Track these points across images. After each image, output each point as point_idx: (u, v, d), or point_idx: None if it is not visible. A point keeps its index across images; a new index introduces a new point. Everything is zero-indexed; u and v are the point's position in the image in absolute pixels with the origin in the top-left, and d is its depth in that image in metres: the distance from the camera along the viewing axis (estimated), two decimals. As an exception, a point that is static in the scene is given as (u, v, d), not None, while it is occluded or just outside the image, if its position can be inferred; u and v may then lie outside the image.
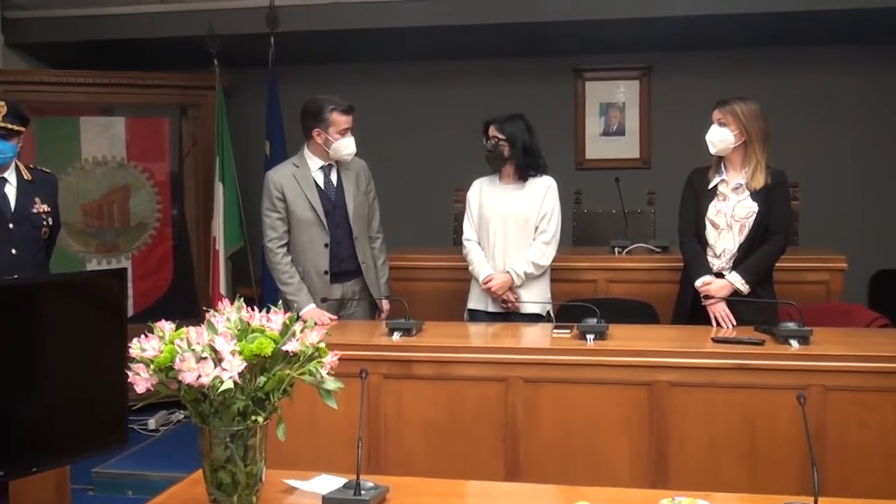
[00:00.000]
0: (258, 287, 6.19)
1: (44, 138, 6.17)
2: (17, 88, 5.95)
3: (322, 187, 4.35)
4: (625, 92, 6.56)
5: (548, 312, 4.30)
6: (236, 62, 6.32)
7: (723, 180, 4.05)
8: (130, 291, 6.38)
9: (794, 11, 5.56)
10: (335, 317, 4.23)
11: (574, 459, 3.46)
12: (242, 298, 2.36)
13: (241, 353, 2.11)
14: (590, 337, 3.56)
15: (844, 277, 4.65)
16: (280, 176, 4.35)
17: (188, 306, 6.29)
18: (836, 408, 3.28)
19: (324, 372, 2.21)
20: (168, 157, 6.63)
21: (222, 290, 6.11)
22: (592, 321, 3.61)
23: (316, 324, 3.96)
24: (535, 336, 3.96)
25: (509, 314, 4.27)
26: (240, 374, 2.11)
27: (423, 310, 4.41)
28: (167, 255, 6.60)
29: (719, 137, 3.98)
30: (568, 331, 3.75)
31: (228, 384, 2.06)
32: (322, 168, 4.36)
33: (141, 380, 2.15)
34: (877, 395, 3.27)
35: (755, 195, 3.96)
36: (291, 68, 6.29)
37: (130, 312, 6.34)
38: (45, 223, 4.11)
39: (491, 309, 4.32)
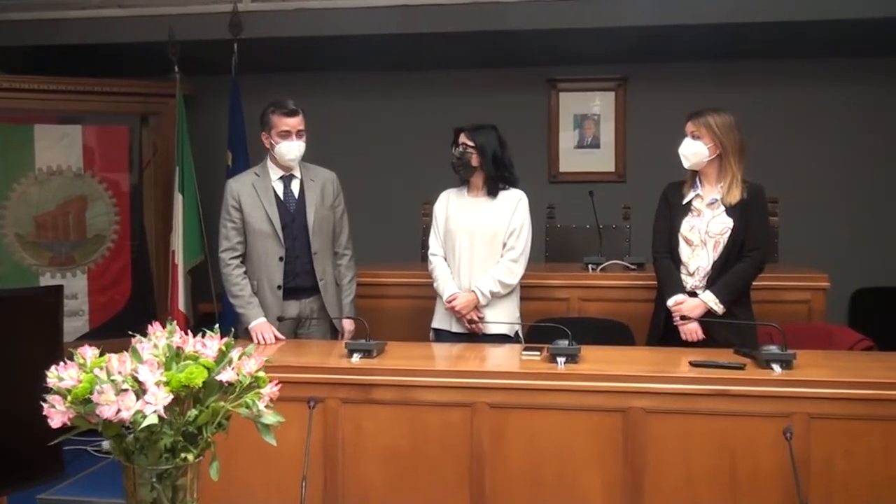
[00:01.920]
0: (219, 303, 5.97)
1: (-5, 146, 5.95)
2: (-33, 95, 5.75)
3: (282, 198, 4.16)
4: (600, 103, 6.39)
5: (516, 333, 4.10)
6: (198, 69, 6.13)
7: (697, 195, 3.91)
8: (86, 307, 6.19)
9: (773, 22, 5.43)
10: (283, 337, 4.03)
11: (543, 490, 3.27)
12: (175, 322, 2.12)
13: (167, 383, 1.89)
14: (560, 360, 3.37)
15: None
16: (239, 184, 4.18)
17: (147, 322, 6.01)
18: (820, 437, 3.10)
19: (261, 405, 1.98)
20: (127, 168, 6.38)
21: (181, 306, 5.91)
22: (563, 343, 3.42)
23: (260, 342, 3.88)
24: (502, 359, 3.76)
25: (475, 335, 4.08)
26: (167, 407, 1.89)
27: (389, 328, 4.27)
28: (125, 268, 6.36)
29: (693, 151, 3.83)
30: (538, 353, 3.55)
31: (152, 419, 1.84)
32: (282, 178, 4.16)
33: (56, 413, 1.92)
34: (863, 423, 3.10)
35: (730, 210, 3.81)
36: (255, 76, 6.10)
37: (86, 329, 6.15)
38: None
39: (455, 329, 4.12)
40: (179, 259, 5.92)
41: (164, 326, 2.12)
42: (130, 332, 2.06)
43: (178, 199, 5.93)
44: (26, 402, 2.48)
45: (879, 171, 6.16)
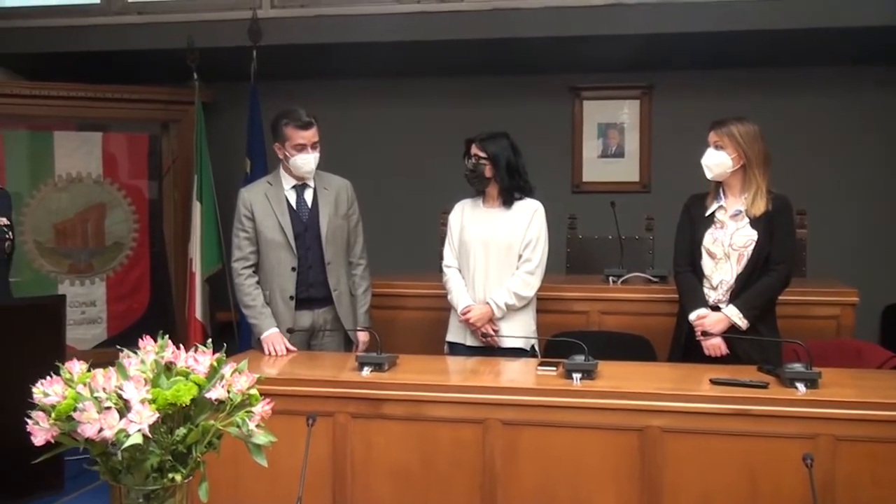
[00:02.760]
0: (237, 312, 5.90)
1: (15, 153, 5.98)
2: (-12, 100, 5.76)
3: (294, 207, 4.09)
4: (624, 112, 6.26)
5: (532, 347, 4.00)
6: (217, 76, 6.09)
7: (721, 206, 3.79)
8: (105, 314, 6.18)
9: (802, 29, 5.30)
10: (294, 348, 3.96)
11: (557, 511, 3.15)
12: (167, 336, 2.04)
13: (153, 401, 1.81)
14: (576, 376, 3.26)
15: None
16: (251, 194, 4.12)
17: (166, 331, 5.98)
18: (846, 460, 2.96)
19: (252, 424, 1.90)
20: (146, 175, 6.36)
21: (198, 314, 5.86)
22: (580, 358, 3.31)
23: (271, 353, 3.81)
24: (516, 374, 3.65)
25: (490, 348, 3.98)
26: (154, 426, 1.81)
27: (403, 341, 4.21)
28: (144, 276, 6.34)
29: (716, 161, 3.72)
30: (553, 368, 3.44)
31: (135, 438, 1.77)
32: (295, 187, 4.10)
33: (39, 430, 1.85)
34: (892, 446, 2.95)
35: (755, 222, 3.69)
36: (274, 83, 6.03)
37: (104, 336, 6.12)
38: (7, 237, 3.97)
39: (470, 342, 4.03)
40: (197, 267, 5.88)
41: (174, 340, 2.05)
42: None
43: (197, 207, 5.90)
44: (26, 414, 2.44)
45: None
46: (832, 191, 5.84)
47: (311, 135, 3.98)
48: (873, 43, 5.50)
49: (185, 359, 1.98)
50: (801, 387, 3.10)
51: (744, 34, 5.44)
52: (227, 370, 1.96)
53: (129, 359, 1.91)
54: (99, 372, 1.86)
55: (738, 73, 6.01)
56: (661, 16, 5.46)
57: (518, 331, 3.97)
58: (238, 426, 1.90)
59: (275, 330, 3.95)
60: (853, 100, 5.98)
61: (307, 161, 3.99)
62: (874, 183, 6.00)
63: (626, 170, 6.22)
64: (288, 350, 3.92)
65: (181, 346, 2.02)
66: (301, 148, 3.98)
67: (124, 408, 1.80)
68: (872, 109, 5.98)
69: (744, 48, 5.71)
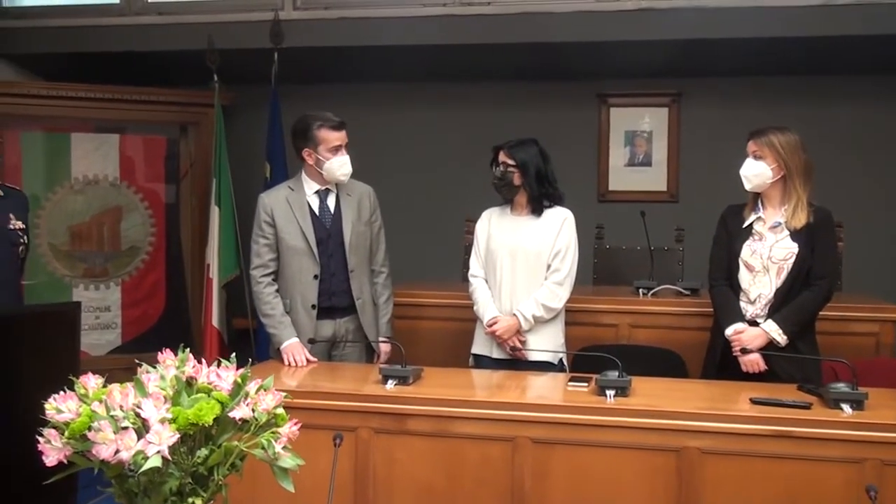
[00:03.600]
0: (254, 319, 5.78)
1: (31, 154, 5.89)
2: (5, 101, 5.71)
3: (317, 213, 3.98)
4: (652, 120, 6.13)
5: (560, 360, 3.86)
6: (237, 79, 5.97)
7: (759, 218, 3.66)
8: (119, 319, 6.08)
9: (835, 36, 5.16)
10: (315, 359, 3.84)
11: (589, 534, 3.02)
12: (188, 350, 1.92)
13: (173, 420, 1.69)
14: (610, 393, 3.12)
15: (895, 329, 4.19)
16: (272, 199, 4.00)
17: (181, 337, 5.90)
18: (894, 486, 2.81)
19: (279, 446, 1.77)
20: (164, 178, 6.26)
21: (215, 321, 5.75)
22: (613, 374, 3.17)
23: (291, 364, 3.70)
24: (547, 389, 3.52)
25: (516, 361, 3.85)
26: (173, 447, 1.69)
27: (427, 352, 4.09)
28: (160, 282, 6.23)
29: (755, 172, 3.59)
30: (585, 384, 3.31)
31: (155, 461, 1.65)
32: (318, 192, 3.99)
33: (51, 449, 1.74)
34: (944, 472, 2.81)
35: (795, 235, 3.56)
36: (296, 86, 5.93)
37: (119, 342, 6.03)
38: (21, 241, 3.96)
39: (496, 355, 3.90)
40: (214, 273, 5.78)
41: (190, 348, 1.93)
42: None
43: (215, 212, 5.79)
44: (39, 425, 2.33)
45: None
46: (864, 202, 5.68)
47: (344, 136, 3.90)
48: (890, 49, 5.36)
49: (208, 374, 1.86)
50: (846, 408, 2.96)
51: (775, 41, 5.32)
52: (251, 387, 1.84)
53: (147, 374, 1.79)
54: (116, 388, 1.74)
55: (769, 82, 5.88)
56: (692, 21, 5.33)
57: (546, 344, 3.84)
58: (264, 448, 1.77)
59: (295, 340, 3.83)
60: (890, 109, 5.82)
61: (344, 163, 3.89)
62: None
63: (654, 179, 6.09)
64: (308, 361, 3.80)
65: (202, 360, 1.90)
66: (337, 150, 3.88)
67: (142, 427, 1.68)
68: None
69: (774, 56, 5.57)
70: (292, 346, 3.81)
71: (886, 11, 5.09)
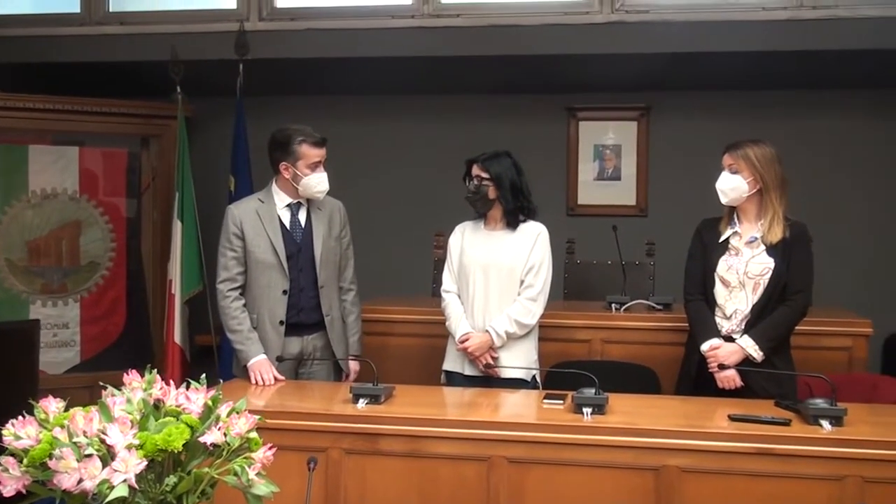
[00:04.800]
0: (217, 335, 5.68)
1: (-13, 167, 5.70)
2: (-41, 112, 5.51)
3: (287, 227, 3.88)
4: (621, 134, 6.09)
5: (533, 377, 3.80)
6: (201, 90, 5.85)
7: (735, 232, 3.62)
8: (78, 337, 5.91)
9: (805, 51, 5.18)
10: (283, 377, 3.74)
11: (566, 556, 2.95)
12: (155, 371, 1.83)
13: (141, 447, 1.59)
14: (587, 411, 3.06)
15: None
16: (241, 211, 3.89)
17: (142, 355, 5.79)
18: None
19: (252, 472, 1.68)
20: (125, 192, 6.11)
21: (177, 338, 5.63)
22: (589, 391, 3.11)
23: (258, 382, 3.60)
24: (522, 407, 3.45)
25: (489, 378, 3.77)
26: (140, 475, 1.59)
27: (397, 369, 4.01)
28: (120, 298, 6.06)
29: (731, 185, 3.56)
30: (560, 402, 3.24)
31: (121, 490, 1.55)
32: (289, 206, 3.90)
33: (9, 478, 1.63)
34: (925, 489, 2.78)
35: (771, 250, 3.54)
36: (261, 99, 5.84)
37: (77, 360, 5.87)
38: None
39: (468, 372, 3.82)
40: (177, 289, 5.65)
41: (151, 366, 1.84)
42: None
43: (177, 226, 5.67)
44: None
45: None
46: (830, 217, 5.68)
47: (325, 153, 3.83)
48: (873, 66, 5.38)
49: (176, 396, 1.77)
50: (826, 424, 2.92)
51: (743, 55, 5.32)
52: (223, 410, 1.75)
53: (113, 397, 1.70)
54: (79, 412, 1.64)
55: (737, 96, 5.88)
56: (661, 36, 5.33)
57: (519, 360, 3.77)
58: (236, 474, 1.68)
59: (263, 357, 3.73)
60: (860, 123, 5.85)
61: (322, 180, 3.82)
62: (875, 209, 5.87)
63: (623, 193, 6.06)
64: (276, 379, 3.69)
65: (171, 381, 1.81)
66: (316, 166, 3.80)
67: (108, 455, 1.58)
68: (871, 133, 5.85)
69: (743, 70, 5.58)
70: (260, 364, 3.71)
71: (855, 26, 5.12)
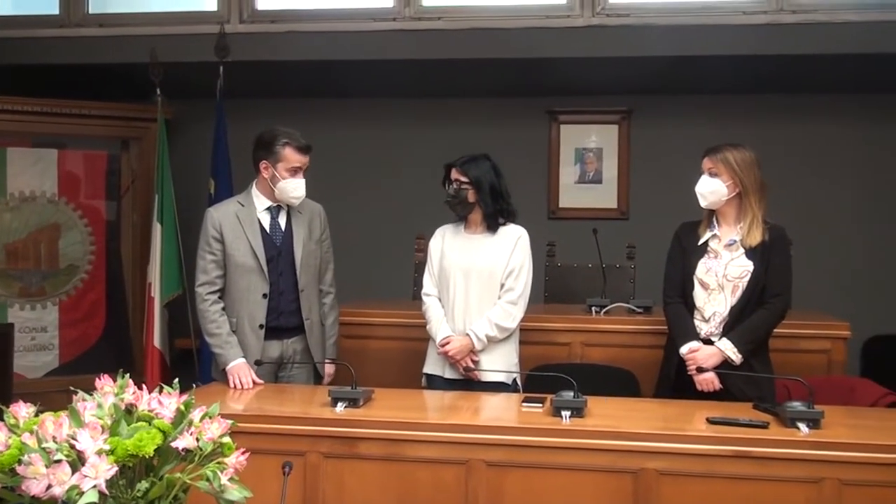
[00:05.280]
0: (197, 339, 5.65)
1: (-36, 170, 5.65)
2: (-65, 114, 5.46)
3: (268, 230, 3.86)
4: (602, 137, 6.10)
5: (514, 380, 3.79)
6: (181, 93, 5.82)
7: (714, 235, 3.63)
8: (56, 341, 5.87)
9: (786, 55, 5.20)
10: (261, 381, 3.72)
11: (545, 559, 2.94)
12: (127, 375, 1.81)
13: (111, 452, 1.58)
14: (565, 414, 3.06)
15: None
16: (221, 214, 3.87)
17: (121, 359, 5.78)
18: (853, 507, 2.79)
19: (225, 478, 1.66)
20: (104, 195, 6.07)
21: (157, 341, 5.60)
22: (568, 394, 3.11)
23: (237, 386, 3.58)
24: (501, 411, 3.44)
25: (469, 382, 3.77)
26: (111, 480, 1.57)
27: (377, 373, 3.99)
28: (99, 301, 6.02)
29: (710, 189, 3.57)
30: (539, 405, 3.24)
31: (91, 496, 1.54)
32: (269, 209, 3.88)
33: (-22, 484, 1.61)
34: (901, 492, 2.79)
35: (750, 253, 3.55)
36: (241, 101, 5.82)
37: (56, 364, 5.83)
38: None
39: (448, 375, 3.82)
40: (156, 292, 5.62)
41: (131, 370, 1.82)
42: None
43: (157, 229, 5.64)
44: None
45: (891, 212, 5.88)
46: (810, 221, 5.71)
47: (307, 160, 3.81)
48: (852, 70, 5.42)
49: (149, 401, 1.75)
50: (803, 427, 2.93)
51: (723, 59, 5.33)
52: (196, 415, 1.74)
53: (83, 402, 1.68)
54: (48, 418, 1.62)
55: (717, 100, 5.90)
56: (641, 39, 5.34)
57: (499, 364, 3.76)
58: (208, 480, 1.67)
59: (241, 360, 3.71)
60: (838, 127, 5.88)
61: (298, 186, 3.80)
62: (854, 212, 5.90)
63: (604, 196, 6.07)
64: (255, 383, 3.67)
65: (144, 382, 1.80)
66: (296, 171, 3.78)
67: (77, 460, 1.57)
68: (851, 138, 5.89)
69: (723, 74, 5.59)
70: (238, 367, 3.69)
71: (834, 31, 5.14)
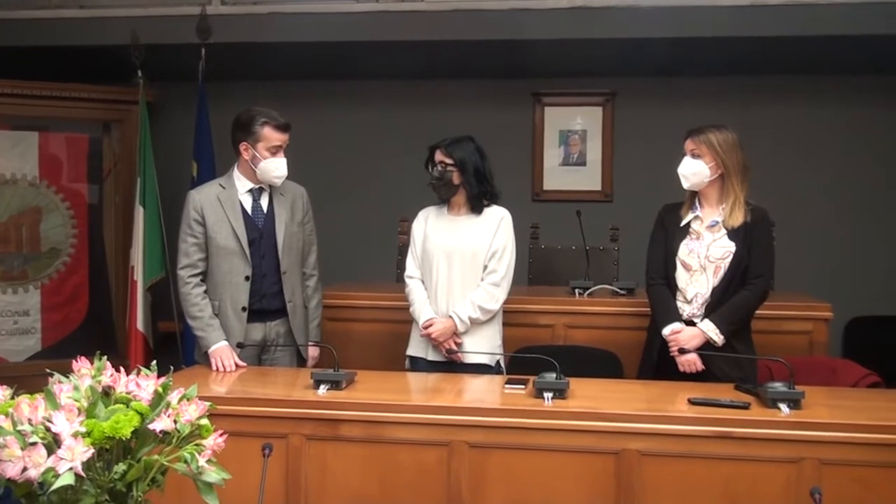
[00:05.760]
0: (180, 322, 5.64)
1: (-56, 152, 5.60)
2: (-86, 97, 5.41)
3: (249, 213, 3.84)
4: (586, 119, 6.10)
5: (497, 362, 3.80)
6: (163, 75, 5.80)
7: (697, 217, 3.63)
8: (39, 324, 5.85)
9: (770, 36, 5.19)
10: (244, 364, 3.71)
11: (527, 540, 2.95)
12: (105, 358, 1.80)
13: (88, 434, 1.57)
14: (548, 395, 3.06)
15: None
16: (203, 196, 3.85)
17: (105, 342, 5.74)
18: (832, 485, 2.77)
19: (202, 459, 1.66)
20: (86, 178, 6.04)
21: (140, 325, 5.59)
22: (551, 376, 3.11)
23: (219, 368, 3.57)
24: (483, 392, 3.44)
25: (453, 364, 3.76)
26: (88, 462, 1.57)
27: (360, 355, 4.01)
28: (82, 285, 6.00)
29: (693, 170, 3.57)
30: (522, 386, 3.24)
31: (67, 478, 1.53)
32: (251, 191, 3.86)
33: (-49, 468, 1.59)
34: (880, 471, 2.80)
35: (732, 234, 3.55)
36: (223, 84, 5.78)
37: (38, 348, 5.81)
38: None
39: (432, 357, 3.81)
40: (139, 275, 5.61)
41: (113, 353, 1.81)
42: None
43: (139, 212, 5.63)
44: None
45: (873, 193, 5.91)
46: (793, 202, 5.74)
47: (287, 138, 3.78)
48: (837, 52, 5.42)
49: (126, 383, 1.74)
50: (784, 407, 2.94)
51: (707, 41, 5.32)
52: (173, 397, 1.73)
53: (59, 384, 1.67)
54: (24, 400, 1.61)
55: (701, 82, 5.91)
56: (626, 21, 5.32)
57: (483, 346, 3.77)
58: (186, 462, 1.66)
59: (224, 343, 3.70)
60: (820, 109, 5.90)
61: (280, 165, 3.77)
62: (837, 193, 5.93)
63: (588, 178, 6.07)
64: (237, 365, 3.67)
65: (122, 368, 1.78)
66: (276, 151, 3.76)
67: (53, 443, 1.56)
68: (833, 119, 5.91)
69: (707, 56, 5.59)
70: (221, 350, 3.68)
71: (819, 12, 5.13)
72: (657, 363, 3.65)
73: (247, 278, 3.80)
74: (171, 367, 1.82)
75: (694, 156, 3.57)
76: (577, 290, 4.55)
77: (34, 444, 1.53)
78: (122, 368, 1.79)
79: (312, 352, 3.95)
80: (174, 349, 5.69)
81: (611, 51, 5.52)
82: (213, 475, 1.68)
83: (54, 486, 1.52)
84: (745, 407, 2.98)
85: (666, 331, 3.57)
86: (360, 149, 6.22)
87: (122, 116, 5.93)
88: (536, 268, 5.41)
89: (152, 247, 5.65)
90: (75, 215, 5.95)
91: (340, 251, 5.40)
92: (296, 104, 5.93)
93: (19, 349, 5.74)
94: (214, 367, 3.64)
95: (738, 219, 3.53)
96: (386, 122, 6.19)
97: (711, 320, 3.51)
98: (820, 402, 3.09)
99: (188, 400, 1.73)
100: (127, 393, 1.73)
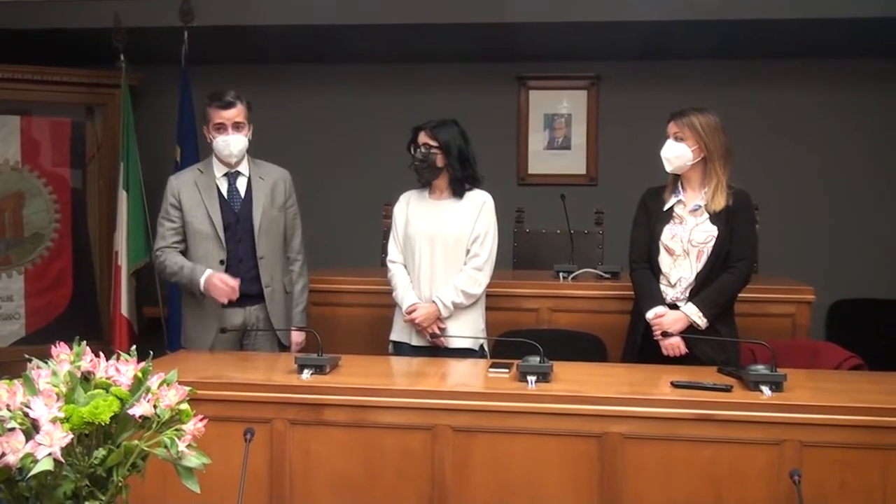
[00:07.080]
0: (165, 307, 5.63)
1: (-76, 137, 5.55)
2: None
3: (226, 197, 3.84)
4: (571, 103, 6.10)
5: (481, 346, 3.80)
6: (146, 59, 5.75)
7: (679, 201, 3.65)
8: (22, 310, 5.82)
9: (754, 19, 5.17)
10: (236, 287, 3.71)
11: (511, 523, 2.96)
12: (84, 343, 1.79)
13: (66, 420, 1.56)
14: (531, 379, 3.07)
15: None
16: (180, 182, 3.87)
17: (89, 327, 5.73)
18: (813, 467, 2.81)
19: (182, 444, 1.66)
20: (69, 162, 5.99)
21: (124, 310, 5.58)
22: (534, 360, 3.12)
23: (223, 288, 3.59)
24: (467, 376, 3.45)
25: (437, 349, 3.77)
26: (67, 447, 1.56)
27: (345, 340, 4.03)
28: (66, 270, 5.97)
29: (676, 154, 3.58)
30: (506, 370, 3.25)
31: (45, 464, 1.52)
32: (227, 175, 3.84)
33: (-71, 455, 1.59)
34: (861, 452, 2.83)
35: (715, 218, 3.56)
36: (207, 67, 5.73)
37: (22, 333, 5.79)
38: None
39: (415, 342, 3.82)
40: (123, 260, 5.59)
41: (96, 338, 1.80)
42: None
43: (123, 197, 5.60)
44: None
45: (857, 177, 5.93)
46: (776, 186, 5.75)
47: (231, 115, 3.76)
48: (824, 36, 5.43)
49: (106, 368, 1.74)
50: (766, 390, 2.96)
51: (691, 24, 5.29)
52: (153, 382, 1.72)
53: (38, 370, 1.66)
54: (2, 386, 1.60)
55: (686, 65, 5.91)
56: (610, 4, 5.28)
57: (466, 330, 3.77)
58: (166, 447, 1.66)
59: (210, 271, 3.71)
60: (804, 93, 5.91)
61: (227, 143, 3.77)
62: (818, 177, 5.95)
63: (573, 162, 6.08)
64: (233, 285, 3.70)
65: (101, 353, 1.78)
66: (220, 128, 3.77)
67: (32, 428, 1.55)
68: (820, 103, 5.93)
69: (691, 39, 5.58)
70: (212, 277, 3.69)
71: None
72: (641, 346, 3.66)
73: (221, 262, 3.79)
74: (152, 352, 1.82)
75: (677, 139, 3.58)
76: (561, 274, 4.56)
77: (12, 429, 1.53)
78: (101, 353, 1.78)
79: (297, 337, 3.95)
80: (159, 334, 5.67)
81: (596, 34, 5.50)
82: (193, 460, 1.68)
83: (33, 472, 1.51)
84: (728, 390, 2.99)
85: (649, 314, 3.58)
86: (345, 132, 6.20)
87: (104, 100, 5.90)
88: (521, 252, 5.42)
89: (136, 231, 5.62)
90: (58, 200, 5.91)
91: (325, 235, 5.40)
92: (279, 87, 5.93)
93: (4, 334, 5.73)
94: (218, 297, 3.68)
95: (720, 202, 3.54)
96: (370, 106, 6.17)
97: (695, 304, 3.53)
98: (802, 384, 3.11)
99: (168, 385, 1.72)
100: (107, 378, 1.72)
